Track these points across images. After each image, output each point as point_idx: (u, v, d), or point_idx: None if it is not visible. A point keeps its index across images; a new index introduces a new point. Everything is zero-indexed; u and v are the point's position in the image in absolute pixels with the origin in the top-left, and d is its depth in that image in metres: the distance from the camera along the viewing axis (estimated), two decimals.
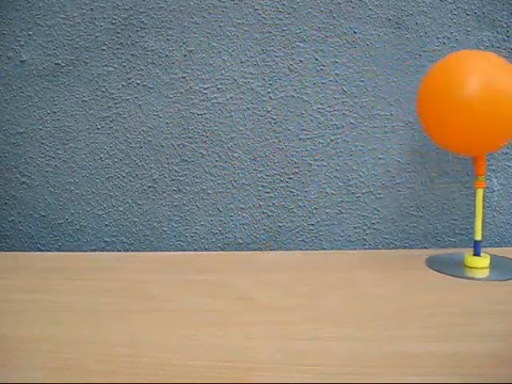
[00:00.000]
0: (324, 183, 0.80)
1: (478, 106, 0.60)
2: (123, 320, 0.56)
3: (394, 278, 0.67)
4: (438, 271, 0.69)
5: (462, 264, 0.71)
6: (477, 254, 0.71)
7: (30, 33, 0.78)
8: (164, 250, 0.80)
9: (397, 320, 0.56)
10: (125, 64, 0.78)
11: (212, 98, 0.79)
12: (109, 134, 0.79)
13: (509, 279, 0.66)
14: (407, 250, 0.80)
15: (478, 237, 0.71)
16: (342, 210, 0.81)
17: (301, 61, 0.78)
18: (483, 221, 0.81)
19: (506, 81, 0.62)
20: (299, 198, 0.80)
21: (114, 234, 0.81)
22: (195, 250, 0.81)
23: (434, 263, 0.72)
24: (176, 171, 0.80)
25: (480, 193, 0.70)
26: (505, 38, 0.78)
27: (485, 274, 0.68)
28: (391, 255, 0.76)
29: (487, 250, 0.78)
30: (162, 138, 0.79)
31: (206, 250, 0.81)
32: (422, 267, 0.71)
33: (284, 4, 0.78)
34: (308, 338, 0.52)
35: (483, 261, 0.70)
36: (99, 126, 0.79)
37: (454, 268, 0.70)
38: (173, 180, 0.80)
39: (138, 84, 0.79)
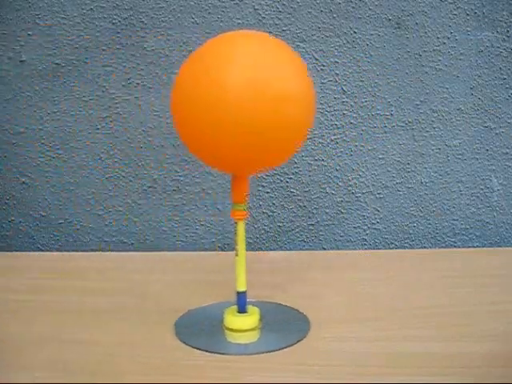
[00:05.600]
0: (324, 183, 0.80)
1: (239, 110, 0.44)
2: (123, 320, 0.56)
3: (394, 277, 0.67)
4: (188, 343, 0.49)
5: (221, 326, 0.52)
6: (241, 310, 0.52)
7: (29, 33, 0.78)
8: (164, 250, 0.80)
9: (397, 320, 0.56)
10: (125, 64, 0.78)
11: None
12: (109, 134, 0.79)
13: (281, 348, 0.49)
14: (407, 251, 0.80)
15: (242, 287, 0.52)
16: (342, 210, 0.81)
17: None
18: (482, 221, 0.81)
19: (280, 74, 0.45)
20: (299, 198, 0.80)
21: (114, 234, 0.81)
22: (195, 250, 0.81)
23: (184, 328, 0.52)
24: (176, 171, 0.80)
25: (241, 227, 0.51)
26: (505, 37, 0.78)
27: (252, 338, 0.51)
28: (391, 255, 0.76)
29: (486, 249, 0.78)
30: (162, 137, 0.79)
31: (206, 250, 0.81)
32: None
33: (284, 4, 0.78)
34: (308, 338, 0.52)
35: (248, 320, 0.51)
36: (99, 126, 0.79)
37: (208, 335, 0.51)
38: (173, 180, 0.80)
39: (137, 84, 0.79)
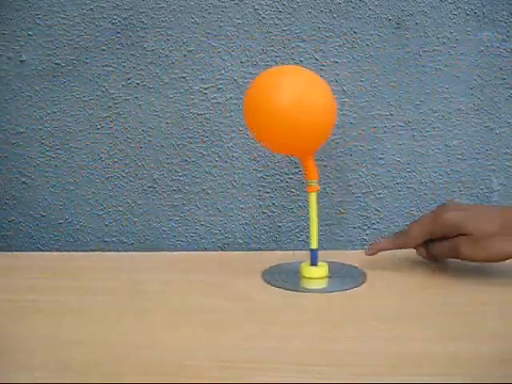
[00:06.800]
0: (324, 183, 0.80)
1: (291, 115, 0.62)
2: (123, 320, 0.56)
3: (393, 277, 0.67)
4: (274, 285, 0.64)
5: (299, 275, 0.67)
6: (314, 263, 0.66)
7: (29, 33, 0.78)
8: (164, 250, 0.80)
9: (397, 320, 0.56)
10: (125, 64, 0.78)
11: (212, 98, 0.79)
12: (109, 134, 0.79)
13: (346, 289, 0.63)
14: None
15: (314, 245, 0.66)
16: (342, 210, 0.81)
17: (301, 61, 0.78)
18: None
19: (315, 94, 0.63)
20: (299, 198, 0.80)
21: (114, 234, 0.81)
22: (195, 250, 0.81)
23: (270, 275, 0.67)
24: (176, 171, 0.80)
25: (313, 197, 0.66)
26: (505, 38, 0.78)
27: (322, 284, 0.65)
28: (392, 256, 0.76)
29: None
30: (162, 137, 0.79)
31: (206, 249, 0.81)
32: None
33: (284, 4, 0.78)
34: (308, 338, 0.52)
35: (320, 270, 0.66)
36: (99, 126, 0.79)
37: (290, 280, 0.66)
38: (173, 180, 0.80)
39: (137, 84, 0.79)
